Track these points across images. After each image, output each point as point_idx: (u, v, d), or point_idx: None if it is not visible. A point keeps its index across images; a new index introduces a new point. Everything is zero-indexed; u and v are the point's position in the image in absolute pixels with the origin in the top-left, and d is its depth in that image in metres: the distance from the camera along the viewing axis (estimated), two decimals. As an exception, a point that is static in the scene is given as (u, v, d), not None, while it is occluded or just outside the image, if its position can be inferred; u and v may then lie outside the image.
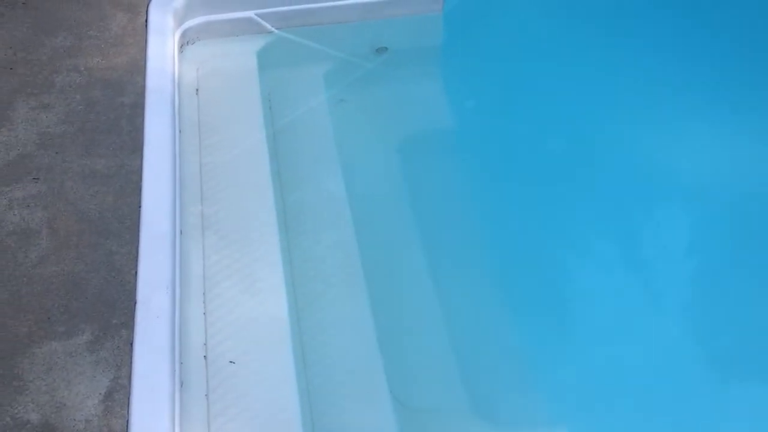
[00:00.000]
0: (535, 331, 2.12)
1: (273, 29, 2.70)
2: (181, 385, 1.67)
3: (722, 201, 2.46)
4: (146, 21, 2.44)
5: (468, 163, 2.60)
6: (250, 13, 2.63)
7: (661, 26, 3.02)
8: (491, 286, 2.20)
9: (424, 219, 2.34)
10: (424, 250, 2.26)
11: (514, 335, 2.10)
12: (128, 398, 1.56)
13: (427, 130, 2.67)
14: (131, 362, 1.61)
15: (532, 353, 2.06)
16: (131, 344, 1.64)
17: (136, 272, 1.76)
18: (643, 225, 2.42)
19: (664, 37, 2.99)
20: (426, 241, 2.28)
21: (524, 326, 2.12)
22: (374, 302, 2.02)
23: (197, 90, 2.46)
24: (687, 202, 2.50)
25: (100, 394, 1.58)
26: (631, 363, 2.05)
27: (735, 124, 2.67)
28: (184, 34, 2.56)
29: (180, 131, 2.20)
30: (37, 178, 1.97)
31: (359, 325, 1.98)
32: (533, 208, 2.42)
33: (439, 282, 2.17)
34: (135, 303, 1.70)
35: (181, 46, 2.55)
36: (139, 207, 1.90)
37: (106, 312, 1.70)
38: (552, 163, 2.57)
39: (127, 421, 1.53)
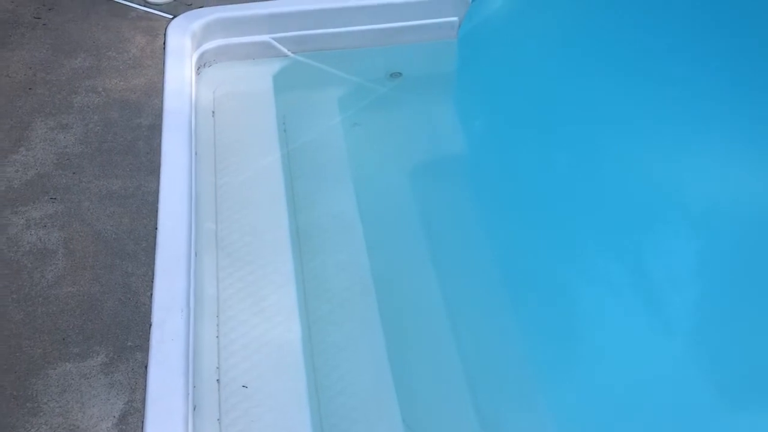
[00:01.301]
0: (544, 355, 2.10)
1: (289, 53, 2.71)
2: (194, 409, 1.65)
3: (731, 224, 2.44)
4: (164, 43, 2.45)
5: (478, 187, 2.60)
6: (266, 37, 2.65)
7: (671, 48, 3.03)
8: (501, 309, 2.19)
9: (435, 241, 2.34)
10: (434, 271, 2.25)
11: (524, 359, 2.08)
12: (142, 422, 1.55)
13: (438, 154, 2.67)
14: (145, 385, 1.60)
15: (542, 378, 2.05)
16: (146, 367, 1.63)
17: (151, 294, 1.76)
18: (651, 248, 2.40)
19: (674, 59, 2.99)
20: (436, 263, 2.27)
21: (534, 350, 2.10)
22: (386, 324, 2.01)
23: (213, 112, 2.47)
24: (696, 226, 2.47)
25: (113, 417, 1.56)
26: (639, 387, 2.03)
27: (745, 147, 2.65)
28: (201, 57, 2.57)
29: (196, 153, 2.20)
30: (55, 198, 1.97)
31: (371, 348, 1.97)
32: (542, 230, 2.41)
33: (450, 304, 2.16)
34: (150, 325, 1.69)
35: (199, 69, 2.56)
36: (155, 229, 1.90)
37: (121, 334, 1.69)
38: (562, 186, 2.57)
39: (141, 445, 1.52)
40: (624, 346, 2.12)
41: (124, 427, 1.55)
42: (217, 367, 1.80)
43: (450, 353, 2.06)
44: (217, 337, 1.87)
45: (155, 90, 2.29)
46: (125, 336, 1.69)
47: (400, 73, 2.80)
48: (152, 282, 1.78)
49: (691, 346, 2.14)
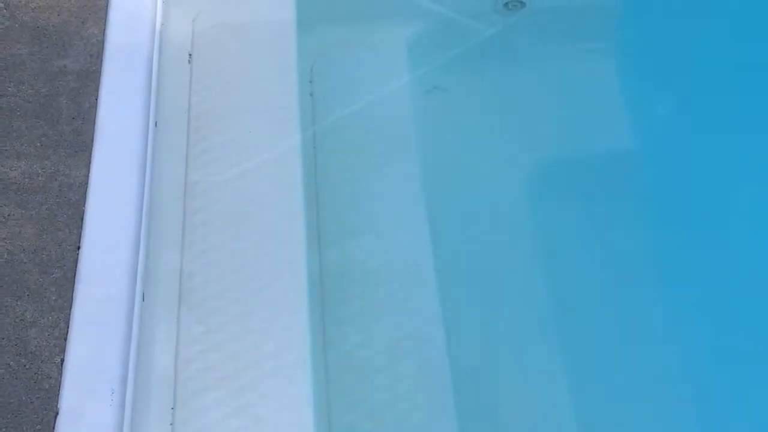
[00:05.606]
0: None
1: (326, -41, 2.79)
2: None
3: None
4: (113, -67, 2.55)
5: (641, 212, 2.69)
6: (288, -70, 2.72)
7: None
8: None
9: (568, 304, 2.43)
10: (563, 359, 2.34)
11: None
12: None
13: (578, 151, 2.75)
14: None
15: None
16: (43, 488, 1.66)
17: (62, 361, 1.79)
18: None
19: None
20: (568, 346, 2.36)
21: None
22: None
23: (190, 56, 2.54)
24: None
25: None
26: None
27: None
28: (175, -40, 2.66)
29: (156, 124, 2.26)
30: None
31: None
32: (712, 278, 2.56)
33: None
34: (57, 414, 1.72)
35: (170, -22, 2.65)
36: (77, 249, 1.95)
37: (6, 425, 1.73)
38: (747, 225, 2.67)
39: None
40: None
41: None
42: (167, 501, 1.83)
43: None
44: (171, 445, 1.89)
45: (93, 11, 2.37)
46: (12, 429, 1.72)
47: (522, 3, 2.84)
48: (65, 341, 1.82)
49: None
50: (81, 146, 2.12)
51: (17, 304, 1.88)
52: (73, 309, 1.86)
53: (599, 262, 2.56)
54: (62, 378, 1.77)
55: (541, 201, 2.62)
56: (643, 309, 2.49)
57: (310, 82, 2.60)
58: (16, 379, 1.78)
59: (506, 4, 2.84)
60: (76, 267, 1.92)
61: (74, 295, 1.88)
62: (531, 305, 2.43)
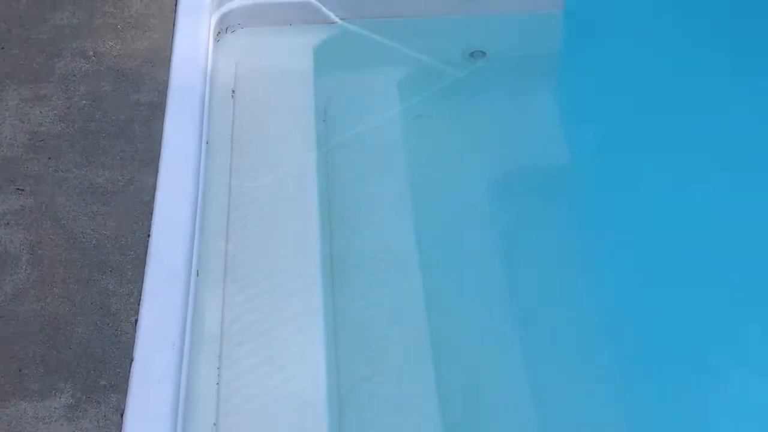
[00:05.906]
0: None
1: (337, 19, 2.80)
2: (181, 478, 1.71)
3: None
4: (176, -2, 2.58)
5: (584, 215, 2.63)
6: (309, -4, 2.76)
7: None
8: (611, 389, 2.20)
9: (522, 285, 2.37)
10: (518, 331, 2.28)
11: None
12: (112, 486, 1.61)
13: (531, 164, 2.70)
14: (120, 439, 1.66)
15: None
16: (122, 414, 1.68)
17: (136, 321, 1.83)
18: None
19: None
20: (522, 318, 2.30)
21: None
22: (443, 394, 2.04)
23: (233, 92, 2.58)
24: None
25: (76, 477, 1.63)
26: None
27: None
28: (223, 19, 2.69)
29: (207, 143, 2.30)
30: (22, 189, 2.09)
31: (421, 424, 2.01)
32: (670, 283, 2.41)
33: (538, 379, 2.18)
34: (132, 361, 1.76)
35: (218, 34, 2.68)
36: (148, 236, 1.99)
37: (94, 369, 1.77)
38: (701, 227, 2.55)
39: None
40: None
41: (88, 491, 1.62)
42: (215, 424, 1.86)
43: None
44: (218, 384, 1.93)
45: (160, 58, 2.41)
46: (98, 372, 1.76)
47: (484, 53, 2.83)
48: (138, 305, 1.86)
49: None
50: (151, 159, 2.17)
51: (102, 278, 1.93)
52: (144, 282, 1.90)
53: (549, 252, 2.48)
54: (136, 334, 1.81)
55: (503, 203, 2.59)
56: (578, 288, 2.40)
57: (324, 111, 2.62)
58: (102, 334, 1.83)
59: (472, 53, 2.85)
60: (147, 250, 1.96)
61: (145, 271, 1.92)
62: (494, 284, 2.37)
